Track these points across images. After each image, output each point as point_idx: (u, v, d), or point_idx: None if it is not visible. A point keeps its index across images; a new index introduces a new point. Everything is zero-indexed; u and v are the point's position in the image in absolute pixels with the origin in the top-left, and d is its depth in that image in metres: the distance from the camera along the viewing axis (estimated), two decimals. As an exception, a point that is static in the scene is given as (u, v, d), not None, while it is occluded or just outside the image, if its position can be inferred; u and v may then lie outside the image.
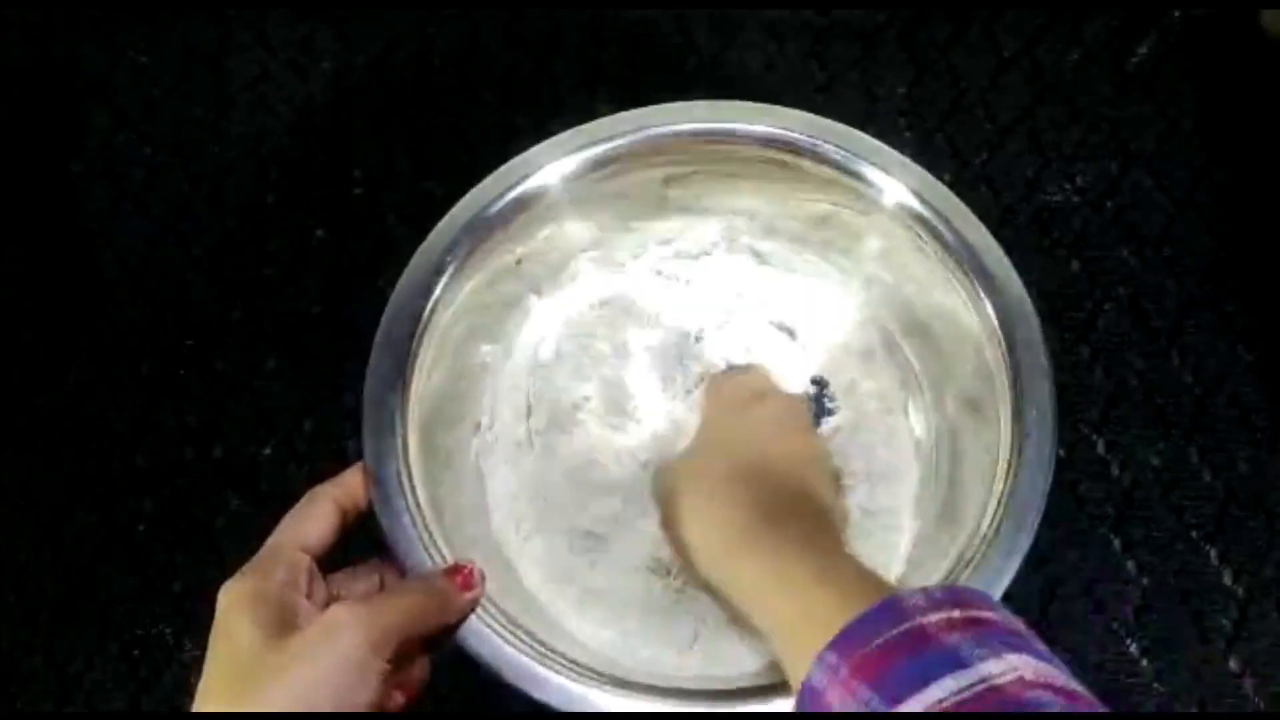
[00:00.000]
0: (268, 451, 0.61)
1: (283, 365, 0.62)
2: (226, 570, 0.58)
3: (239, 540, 0.59)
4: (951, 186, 0.52)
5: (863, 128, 0.62)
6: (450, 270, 0.51)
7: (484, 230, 0.52)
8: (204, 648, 0.55)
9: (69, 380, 0.63)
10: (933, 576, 0.47)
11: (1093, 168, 0.64)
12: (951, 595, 0.35)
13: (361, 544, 0.53)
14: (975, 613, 0.34)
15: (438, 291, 0.51)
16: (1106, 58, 0.66)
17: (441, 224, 0.52)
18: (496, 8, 0.69)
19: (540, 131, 0.54)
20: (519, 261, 0.56)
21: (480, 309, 0.54)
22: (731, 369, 0.56)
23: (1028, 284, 0.60)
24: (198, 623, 0.58)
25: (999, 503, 0.46)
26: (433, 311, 0.51)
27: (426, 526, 0.47)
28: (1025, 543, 0.46)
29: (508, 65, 0.68)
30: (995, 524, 0.46)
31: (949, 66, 0.67)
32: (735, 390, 0.54)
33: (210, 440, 0.61)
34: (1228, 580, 0.56)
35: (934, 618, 0.34)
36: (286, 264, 0.65)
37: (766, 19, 0.68)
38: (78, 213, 0.67)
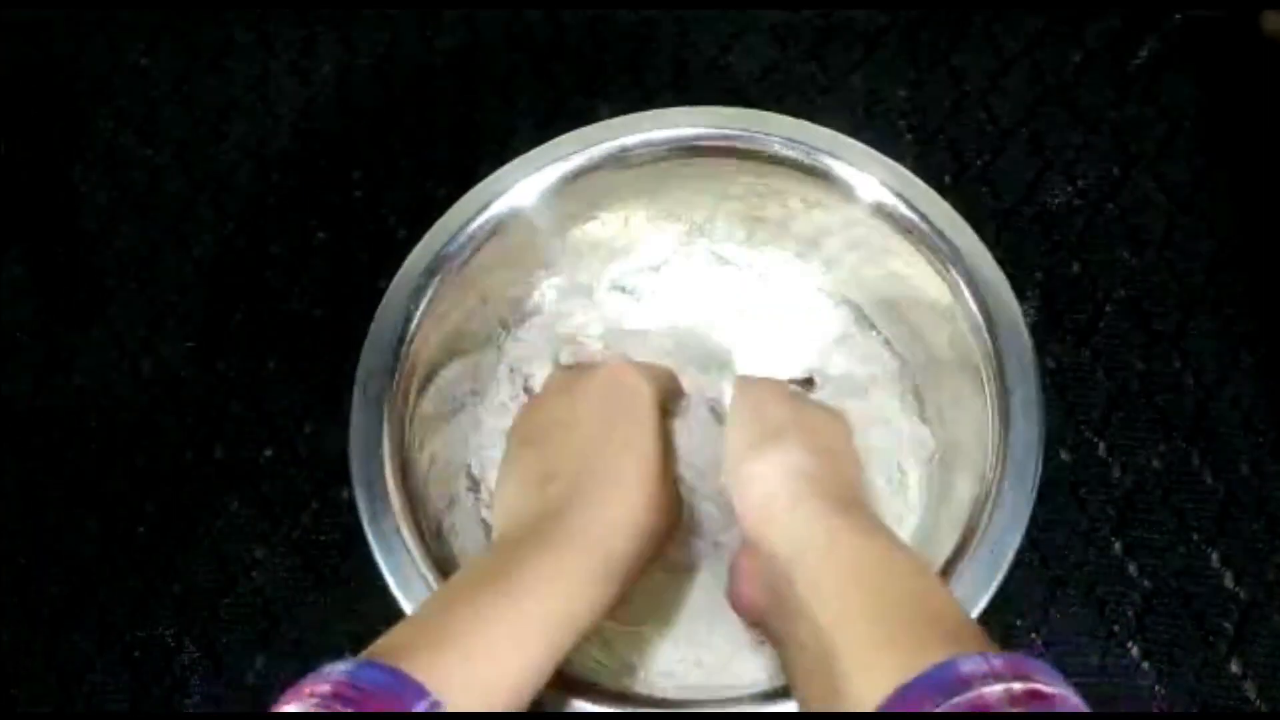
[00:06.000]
0: (268, 454, 0.61)
1: (283, 367, 0.62)
2: (226, 573, 0.58)
3: (239, 542, 0.59)
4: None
5: (863, 130, 0.62)
6: (416, 319, 0.51)
7: (444, 272, 0.52)
8: (203, 648, 0.55)
9: (69, 381, 0.63)
10: (938, 560, 0.47)
11: (1094, 169, 0.64)
12: (1013, 665, 0.34)
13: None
14: (1036, 686, 0.34)
15: (407, 342, 0.51)
16: (1108, 59, 0.66)
17: (400, 272, 0.52)
18: (497, 9, 0.70)
19: (540, 133, 0.54)
20: (484, 300, 0.56)
21: (452, 353, 0.54)
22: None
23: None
24: (198, 624, 0.58)
25: (996, 462, 0.47)
26: (404, 363, 0.51)
27: (433, 579, 0.47)
28: (1025, 507, 0.46)
29: (508, 67, 0.68)
30: (997, 478, 0.47)
31: (950, 68, 0.67)
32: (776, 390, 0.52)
33: (211, 442, 0.61)
34: (1229, 583, 0.56)
35: (996, 689, 0.33)
36: (287, 266, 0.64)
37: (767, 21, 0.68)
38: (79, 214, 0.67)
